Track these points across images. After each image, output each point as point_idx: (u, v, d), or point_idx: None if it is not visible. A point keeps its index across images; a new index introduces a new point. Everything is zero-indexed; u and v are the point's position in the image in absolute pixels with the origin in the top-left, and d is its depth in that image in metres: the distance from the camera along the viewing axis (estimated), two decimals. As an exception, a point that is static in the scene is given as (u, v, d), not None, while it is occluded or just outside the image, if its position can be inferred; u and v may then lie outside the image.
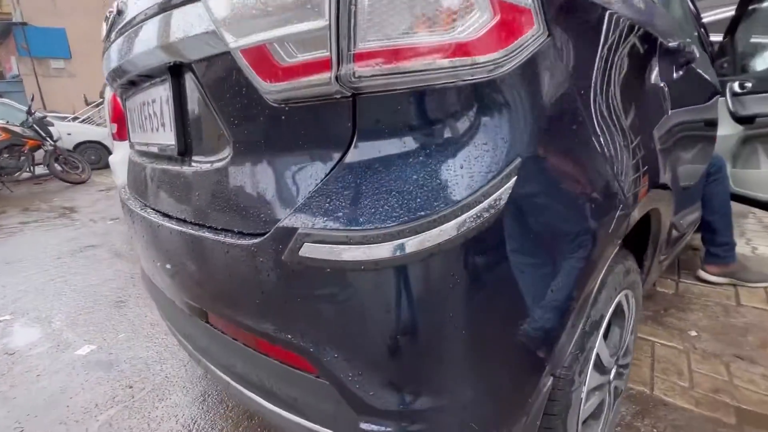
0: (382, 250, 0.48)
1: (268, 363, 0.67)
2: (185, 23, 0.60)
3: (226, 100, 0.62)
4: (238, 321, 0.67)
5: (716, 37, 2.23)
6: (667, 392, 1.30)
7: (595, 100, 0.64)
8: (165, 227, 0.77)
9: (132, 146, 1.11)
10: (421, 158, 0.50)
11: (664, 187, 0.97)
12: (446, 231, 0.49)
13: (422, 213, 0.48)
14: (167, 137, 0.79)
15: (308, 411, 0.66)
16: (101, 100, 7.59)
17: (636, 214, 0.80)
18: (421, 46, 0.47)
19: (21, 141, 5.68)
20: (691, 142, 1.26)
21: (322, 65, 0.48)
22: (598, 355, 0.83)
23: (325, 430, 0.64)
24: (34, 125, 5.85)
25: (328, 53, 0.48)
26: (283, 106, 0.55)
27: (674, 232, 1.31)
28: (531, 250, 0.57)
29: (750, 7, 2.16)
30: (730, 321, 1.69)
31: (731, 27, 2.23)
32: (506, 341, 0.59)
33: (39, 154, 6.05)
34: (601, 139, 0.65)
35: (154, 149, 0.89)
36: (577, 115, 0.61)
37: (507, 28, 0.50)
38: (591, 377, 0.82)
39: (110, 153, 3.40)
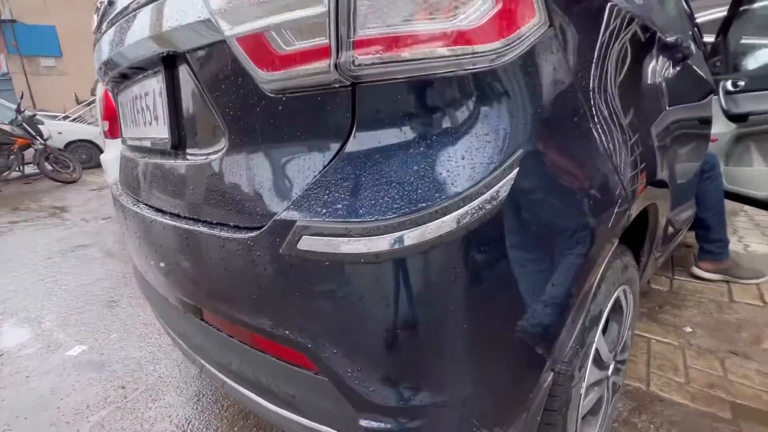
0: (383, 243, 0.47)
1: (265, 360, 0.65)
2: (179, 11, 0.59)
3: (221, 91, 0.60)
4: (233, 317, 0.66)
5: (708, 38, 2.25)
6: (664, 388, 1.30)
7: (595, 93, 0.64)
8: (158, 222, 0.75)
9: (124, 141, 1.09)
10: (421, 149, 0.49)
11: (662, 182, 0.97)
12: (448, 223, 0.48)
13: (423, 204, 0.47)
14: (160, 131, 0.77)
15: (306, 408, 0.64)
16: (93, 98, 7.49)
17: (635, 209, 0.80)
18: (423, 34, 0.46)
19: (10, 140, 5.59)
20: (688, 138, 1.27)
21: (321, 53, 0.47)
22: (597, 350, 0.83)
23: (324, 427, 0.63)
24: (24, 123, 5.75)
25: (327, 41, 0.46)
26: (280, 96, 0.53)
27: (670, 229, 1.32)
28: (532, 244, 0.56)
29: (741, 8, 2.18)
30: (724, 317, 1.71)
31: (724, 26, 2.26)
32: (507, 336, 0.58)
33: (29, 153, 5.96)
34: (603, 133, 0.64)
35: (147, 143, 0.87)
36: (578, 108, 0.60)
37: (509, 17, 0.49)
38: (590, 373, 0.82)
39: (102, 152, 3.35)
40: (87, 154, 7.51)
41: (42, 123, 6.11)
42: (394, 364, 0.54)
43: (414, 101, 0.49)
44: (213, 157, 0.65)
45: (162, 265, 0.79)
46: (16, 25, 12.97)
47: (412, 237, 0.47)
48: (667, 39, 0.94)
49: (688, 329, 1.63)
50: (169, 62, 0.69)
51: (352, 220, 0.48)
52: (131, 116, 0.95)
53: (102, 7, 0.83)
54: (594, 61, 0.64)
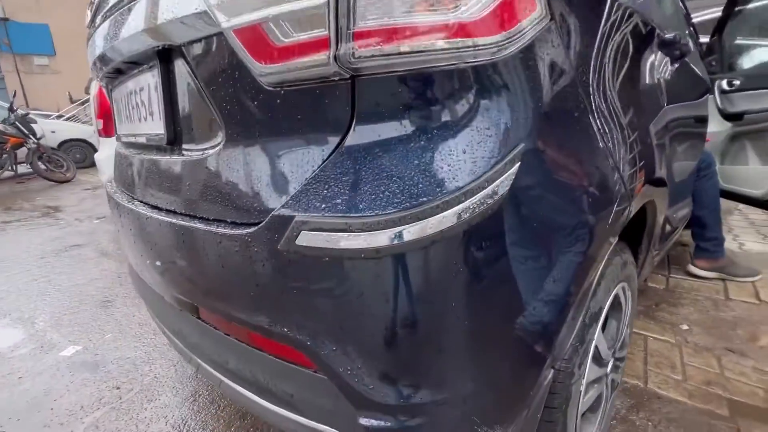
0: (383, 238, 0.47)
1: (263, 358, 0.64)
2: (174, 4, 0.58)
3: (218, 85, 0.59)
4: (231, 315, 0.65)
5: (703, 38, 2.26)
6: (661, 385, 1.31)
7: (596, 88, 0.63)
8: (154, 219, 0.74)
9: (118, 138, 1.07)
10: (422, 143, 0.49)
11: (661, 179, 0.97)
12: (449, 218, 0.47)
13: (424, 199, 0.47)
14: (156, 126, 0.76)
15: (305, 407, 0.64)
16: (87, 97, 7.42)
17: (634, 206, 0.80)
18: (423, 25, 0.45)
19: (2, 138, 5.52)
20: (685, 137, 1.27)
21: (320, 45, 0.46)
22: (597, 347, 0.83)
23: (323, 426, 0.62)
24: (17, 122, 5.69)
25: (327, 32, 0.46)
26: (278, 89, 0.52)
27: (667, 227, 1.32)
28: (534, 240, 0.56)
29: (736, 9, 2.20)
30: (720, 315, 1.71)
31: (719, 26, 2.27)
32: (508, 333, 0.58)
33: (22, 153, 5.88)
34: (604, 128, 0.64)
35: (142, 140, 0.85)
36: (579, 102, 0.60)
37: (510, 10, 0.49)
38: (590, 370, 0.82)
39: (96, 151, 3.31)
40: (81, 153, 7.43)
41: (35, 122, 6.05)
42: (395, 361, 0.54)
43: (414, 94, 0.49)
44: (209, 152, 0.64)
45: (157, 262, 0.78)
46: (8, 23, 12.82)
47: (412, 232, 0.47)
48: (666, 35, 0.94)
49: (685, 327, 1.63)
50: (165, 56, 0.68)
51: (351, 215, 0.48)
52: (126, 112, 0.94)
53: (96, 0, 0.81)
54: (594, 55, 0.63)
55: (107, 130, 2.87)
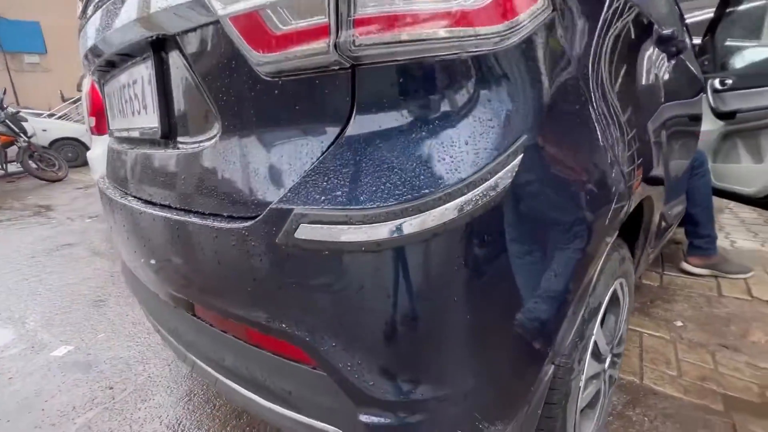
0: (384, 230, 0.46)
1: (260, 355, 0.63)
2: (169, -8, 0.56)
3: (213, 75, 0.58)
4: (227, 311, 0.64)
5: (695, 40, 2.29)
6: (657, 381, 1.31)
7: (598, 80, 0.63)
8: (148, 215, 0.73)
9: (111, 133, 1.05)
10: (424, 134, 0.48)
11: (658, 175, 0.97)
12: (451, 210, 0.46)
13: (426, 191, 0.46)
14: (150, 119, 0.74)
15: (303, 404, 0.62)
16: (79, 95, 7.33)
17: (633, 201, 0.80)
18: (426, 13, 0.44)
19: (-8, 136, 5.43)
20: (681, 133, 1.28)
21: (320, 32, 0.45)
22: (595, 343, 0.83)
23: (321, 424, 0.61)
24: (7, 120, 5.59)
25: (326, 19, 0.45)
26: (276, 79, 0.51)
27: (663, 223, 1.33)
28: (536, 233, 0.55)
29: (728, 9, 2.22)
30: (714, 311, 1.73)
31: (711, 27, 2.29)
32: (510, 327, 0.57)
33: (12, 151, 5.79)
34: (605, 121, 0.64)
35: (136, 134, 0.84)
36: (581, 94, 0.59)
37: (512, 0, 0.48)
38: (589, 365, 0.82)
39: (88, 149, 3.27)
40: (73, 152, 7.34)
41: (26, 120, 5.95)
42: (396, 356, 0.53)
43: (416, 84, 0.48)
44: (205, 144, 0.62)
45: (152, 259, 0.76)
46: (-2, 20, 12.61)
47: (414, 224, 0.46)
48: (664, 31, 0.94)
49: (679, 323, 1.65)
50: (159, 47, 0.66)
51: (352, 207, 0.47)
52: (119, 106, 0.92)
53: (88, -10, 0.80)
54: (596, 48, 0.63)
55: (100, 128, 2.83)
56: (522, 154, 0.50)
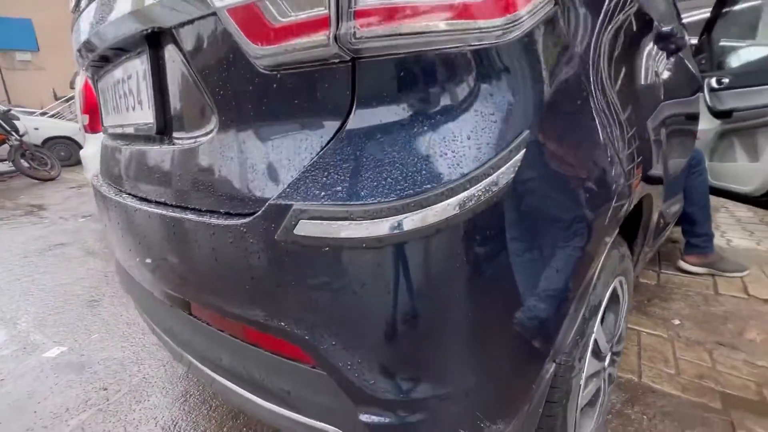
0: (386, 226, 0.45)
1: (258, 354, 0.62)
2: (164, -17, 0.55)
3: (210, 69, 0.57)
4: (224, 310, 0.63)
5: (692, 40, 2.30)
6: (655, 379, 1.31)
7: (600, 75, 0.62)
8: (143, 212, 0.71)
9: (105, 130, 1.03)
10: (425, 128, 0.47)
11: (658, 172, 0.97)
12: (453, 205, 0.45)
13: (428, 186, 0.45)
14: (145, 115, 0.73)
15: (302, 404, 0.61)
16: (72, 93, 7.24)
17: (633, 199, 0.79)
18: (427, 5, 0.43)
19: (-17, 135, 5.36)
20: (680, 132, 1.28)
21: (320, 24, 0.44)
22: (596, 341, 0.82)
23: (321, 424, 0.60)
24: (-2, 118, 5.53)
25: (326, 10, 0.44)
26: (274, 72, 0.50)
27: (661, 222, 1.33)
28: (538, 229, 0.55)
29: (724, 9, 2.24)
30: (711, 309, 1.74)
31: (708, 26, 2.30)
32: (513, 325, 0.56)
33: (3, 150, 5.71)
34: (607, 116, 0.63)
35: (130, 130, 0.82)
36: (583, 90, 0.59)
37: (515, -8, 0.47)
38: (589, 363, 0.81)
39: (81, 148, 3.23)
40: (66, 151, 7.26)
41: (17, 118, 5.88)
42: (397, 355, 0.52)
43: (418, 78, 0.47)
44: (202, 140, 0.61)
45: (147, 257, 0.75)
46: (-11, 17, 12.45)
47: (416, 220, 0.45)
48: (663, 28, 0.94)
49: (677, 321, 1.65)
50: (154, 41, 0.65)
51: (353, 202, 0.46)
52: (113, 103, 0.90)
53: (81, -17, 0.78)
54: (597, 43, 0.62)
55: (93, 126, 2.80)
56: (524, 150, 0.49)
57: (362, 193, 0.46)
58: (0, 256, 2.71)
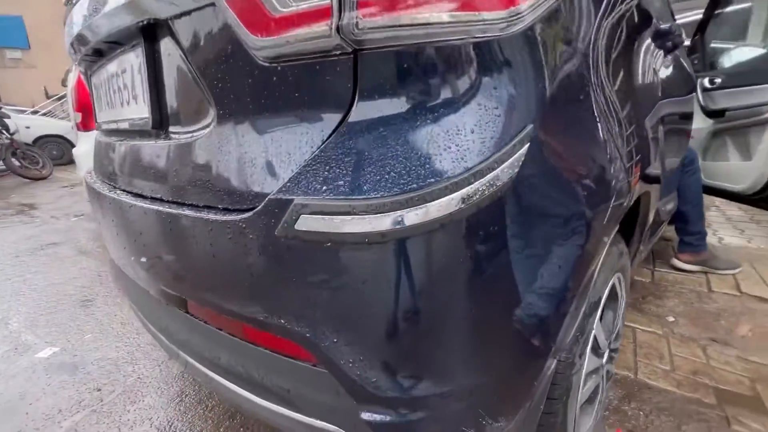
0: (389, 221, 0.44)
1: (257, 352, 0.61)
2: (161, -27, 0.54)
3: (208, 62, 0.55)
4: (223, 307, 0.61)
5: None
6: (651, 376, 1.32)
7: (601, 71, 0.62)
8: (138, 209, 0.70)
9: (99, 127, 1.02)
10: (429, 121, 0.46)
11: (656, 170, 0.97)
12: (457, 200, 0.45)
13: (432, 180, 0.44)
14: (140, 110, 0.72)
15: (302, 403, 0.61)
16: (63, 92, 7.14)
17: (633, 196, 0.79)
18: (431, -5, 0.43)
19: (-28, 133, 5.27)
20: (675, 130, 1.29)
21: (321, 14, 0.43)
22: (595, 337, 0.82)
23: (321, 423, 0.59)
24: (-13, 117, 5.44)
25: (328, 0, 0.43)
26: (274, 65, 0.49)
27: (657, 219, 1.34)
28: (542, 225, 0.54)
29: (716, 11, 2.26)
30: (704, 306, 1.75)
31: (701, 26, 2.33)
32: (516, 321, 0.56)
33: (-7, 148, 5.63)
34: (608, 112, 0.63)
35: (125, 125, 0.81)
36: (585, 85, 0.59)
37: (519, -15, 0.47)
38: (589, 360, 0.81)
39: (74, 147, 3.18)
40: (58, 149, 7.16)
41: (8, 116, 5.80)
42: (400, 352, 0.51)
43: (421, 70, 0.46)
44: (199, 134, 0.60)
45: (143, 255, 0.73)
46: (-22, 14, 12.24)
47: (420, 214, 0.44)
48: (662, 26, 0.94)
49: (671, 318, 1.66)
50: (149, 33, 0.64)
51: (355, 197, 0.45)
52: (107, 98, 0.89)
53: (74, -25, 0.76)
54: (599, 38, 0.62)
55: (86, 124, 2.76)
56: (528, 144, 0.49)
57: (365, 187, 0.45)
58: (-10, 256, 2.67)
